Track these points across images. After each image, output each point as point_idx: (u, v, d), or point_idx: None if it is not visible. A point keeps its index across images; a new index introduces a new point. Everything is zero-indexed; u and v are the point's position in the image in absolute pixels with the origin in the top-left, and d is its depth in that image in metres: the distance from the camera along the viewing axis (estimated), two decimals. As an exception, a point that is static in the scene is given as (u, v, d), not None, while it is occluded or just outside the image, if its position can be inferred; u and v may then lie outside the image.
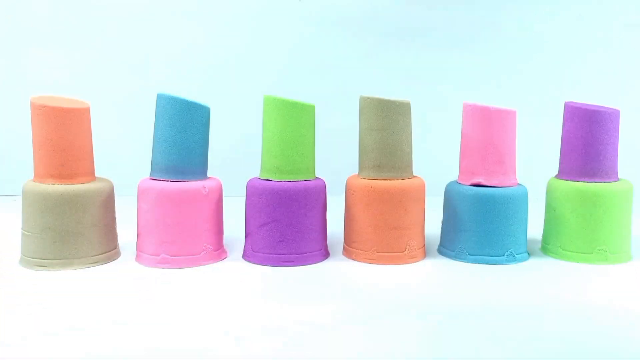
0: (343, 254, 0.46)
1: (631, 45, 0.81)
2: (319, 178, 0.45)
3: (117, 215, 0.45)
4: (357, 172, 0.46)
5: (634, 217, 0.45)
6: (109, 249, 0.43)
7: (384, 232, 0.43)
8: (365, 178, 0.44)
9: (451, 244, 0.45)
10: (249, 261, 0.44)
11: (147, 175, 0.43)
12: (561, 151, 0.46)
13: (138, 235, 0.43)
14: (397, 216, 0.43)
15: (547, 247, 0.47)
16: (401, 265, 0.43)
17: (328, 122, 0.61)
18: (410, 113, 0.44)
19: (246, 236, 0.44)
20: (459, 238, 0.44)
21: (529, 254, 0.46)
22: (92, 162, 0.43)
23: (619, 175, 0.46)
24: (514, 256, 0.43)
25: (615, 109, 0.44)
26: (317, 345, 0.28)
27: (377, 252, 0.43)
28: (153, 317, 0.31)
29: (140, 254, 0.43)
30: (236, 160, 0.71)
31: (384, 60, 0.81)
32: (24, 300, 0.34)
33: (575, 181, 0.44)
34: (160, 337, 0.29)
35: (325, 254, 0.45)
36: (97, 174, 0.44)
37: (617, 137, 0.44)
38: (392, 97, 0.43)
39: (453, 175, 0.48)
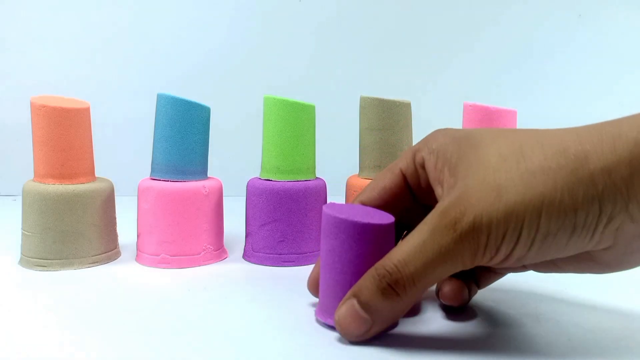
0: (343, 254, 0.46)
1: (631, 45, 0.81)
2: (319, 178, 0.45)
3: (117, 215, 0.45)
4: (357, 172, 0.46)
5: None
6: (109, 249, 0.43)
7: (384, 232, 0.43)
8: (366, 178, 0.44)
9: (451, 244, 0.45)
10: (250, 261, 0.44)
11: (147, 175, 0.43)
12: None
13: (138, 235, 0.43)
14: (397, 216, 0.43)
15: (547, 247, 0.46)
16: (401, 265, 0.43)
17: (328, 122, 0.61)
18: (410, 113, 0.44)
19: (246, 236, 0.44)
20: (459, 238, 0.44)
21: (529, 254, 0.46)
22: (92, 162, 0.43)
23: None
24: (514, 256, 0.43)
25: None
26: (317, 345, 0.28)
27: (377, 252, 0.43)
28: (153, 317, 0.31)
29: (140, 254, 0.43)
30: (236, 160, 0.72)
31: (384, 60, 0.81)
32: (24, 300, 0.34)
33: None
34: (160, 337, 0.28)
35: (326, 254, 0.45)
36: (97, 174, 0.44)
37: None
38: (392, 97, 0.43)
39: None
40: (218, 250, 0.44)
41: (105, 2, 0.77)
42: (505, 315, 0.32)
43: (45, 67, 0.77)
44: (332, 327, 0.29)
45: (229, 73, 0.79)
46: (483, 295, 0.36)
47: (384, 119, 0.43)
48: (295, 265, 0.42)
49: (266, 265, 0.42)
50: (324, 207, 0.29)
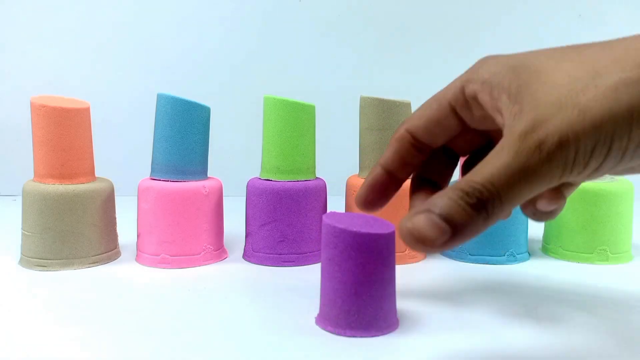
0: (343, 254, 0.46)
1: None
2: (319, 178, 0.45)
3: (117, 215, 0.45)
4: (357, 172, 0.46)
5: (634, 217, 0.45)
6: (109, 249, 0.43)
7: (384, 232, 0.43)
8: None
9: (451, 244, 0.45)
10: (250, 261, 0.44)
11: (147, 175, 0.43)
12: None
13: (138, 235, 0.43)
14: (397, 216, 0.42)
15: (547, 247, 0.47)
16: (402, 265, 0.43)
17: (328, 122, 0.61)
18: (410, 113, 0.44)
19: (246, 236, 0.44)
20: (459, 238, 0.44)
21: (530, 254, 0.46)
22: (92, 162, 0.43)
23: (619, 176, 0.46)
24: (514, 256, 0.43)
25: None
26: (317, 345, 0.28)
27: (378, 252, 0.43)
28: (153, 317, 0.31)
29: (140, 254, 0.43)
30: (236, 160, 0.72)
31: (384, 60, 0.81)
32: (24, 300, 0.34)
33: (575, 181, 0.44)
34: (160, 337, 0.28)
35: (326, 254, 0.45)
36: (97, 174, 0.44)
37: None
38: (392, 97, 0.43)
39: (453, 175, 0.47)
40: (218, 250, 0.44)
41: (105, 2, 0.77)
42: (506, 316, 0.32)
43: (45, 67, 0.77)
44: (332, 334, 0.29)
45: (229, 73, 0.79)
46: (483, 295, 0.36)
47: (384, 119, 0.43)
48: (295, 265, 0.42)
49: (266, 265, 0.42)
50: (324, 217, 0.29)
